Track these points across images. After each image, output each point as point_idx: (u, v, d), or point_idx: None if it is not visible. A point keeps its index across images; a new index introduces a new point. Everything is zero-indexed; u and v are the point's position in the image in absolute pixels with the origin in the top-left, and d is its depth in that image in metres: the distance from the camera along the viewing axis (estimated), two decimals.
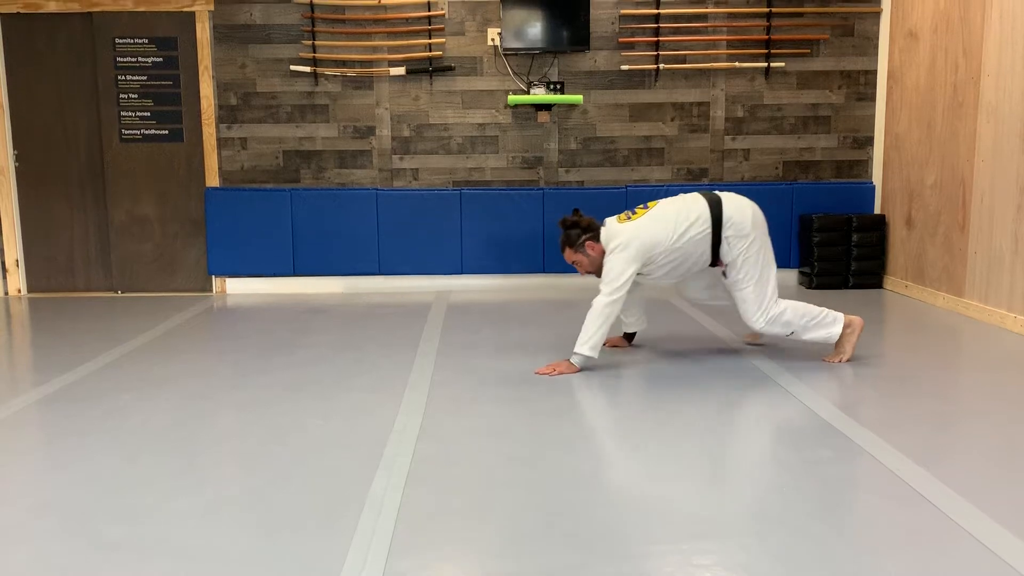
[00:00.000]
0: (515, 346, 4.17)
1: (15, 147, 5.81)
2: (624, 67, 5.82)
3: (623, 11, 5.75)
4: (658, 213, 3.62)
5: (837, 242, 5.68)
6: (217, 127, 5.82)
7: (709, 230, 3.56)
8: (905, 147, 5.54)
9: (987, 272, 4.61)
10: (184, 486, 2.46)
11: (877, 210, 5.91)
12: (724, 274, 3.71)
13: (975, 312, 4.69)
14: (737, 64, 5.82)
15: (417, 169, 5.92)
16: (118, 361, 3.99)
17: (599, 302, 3.54)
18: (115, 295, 5.91)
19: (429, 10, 5.71)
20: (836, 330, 3.68)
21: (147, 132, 5.81)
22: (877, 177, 5.93)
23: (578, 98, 5.61)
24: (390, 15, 5.72)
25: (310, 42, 5.74)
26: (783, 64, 5.84)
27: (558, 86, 5.67)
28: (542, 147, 5.92)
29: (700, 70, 5.86)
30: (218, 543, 2.09)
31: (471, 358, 3.95)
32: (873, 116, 5.92)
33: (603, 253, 3.69)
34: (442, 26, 5.76)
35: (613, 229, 3.65)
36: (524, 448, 2.75)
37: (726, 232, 3.55)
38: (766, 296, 3.60)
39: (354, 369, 3.79)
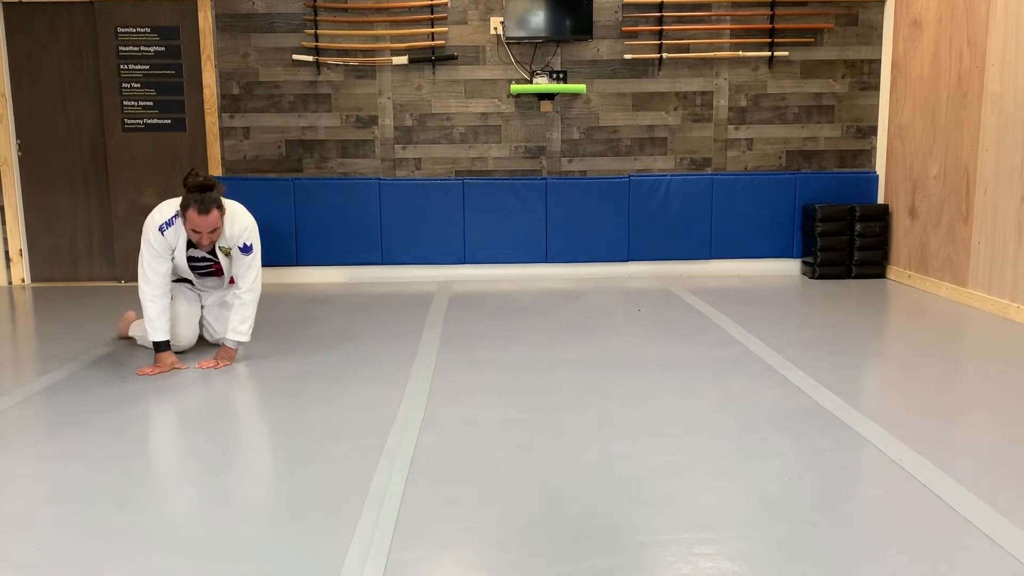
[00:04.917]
0: (518, 336, 4.17)
1: (18, 137, 5.81)
2: (627, 56, 5.80)
3: (626, 0, 5.73)
4: (171, 200, 3.67)
5: (840, 232, 5.67)
6: (219, 116, 5.81)
7: None
8: (909, 137, 5.52)
9: (990, 262, 4.61)
10: (187, 475, 2.47)
11: (880, 200, 5.90)
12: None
13: (978, 302, 4.69)
14: (741, 53, 5.80)
15: (420, 159, 5.91)
16: (121, 350, 4.00)
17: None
18: (118, 284, 5.92)
19: None
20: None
21: (149, 121, 5.81)
22: (880, 167, 5.91)
23: (581, 87, 5.60)
24: (393, 4, 5.71)
25: (312, 31, 5.72)
26: (787, 53, 5.82)
27: (561, 75, 5.66)
28: (545, 137, 5.91)
29: (703, 59, 5.84)
30: (222, 533, 2.11)
31: (474, 348, 3.96)
32: (877, 106, 5.91)
33: None
34: (445, 15, 5.74)
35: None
36: (526, 438, 2.76)
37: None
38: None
39: (357, 359, 3.80)
